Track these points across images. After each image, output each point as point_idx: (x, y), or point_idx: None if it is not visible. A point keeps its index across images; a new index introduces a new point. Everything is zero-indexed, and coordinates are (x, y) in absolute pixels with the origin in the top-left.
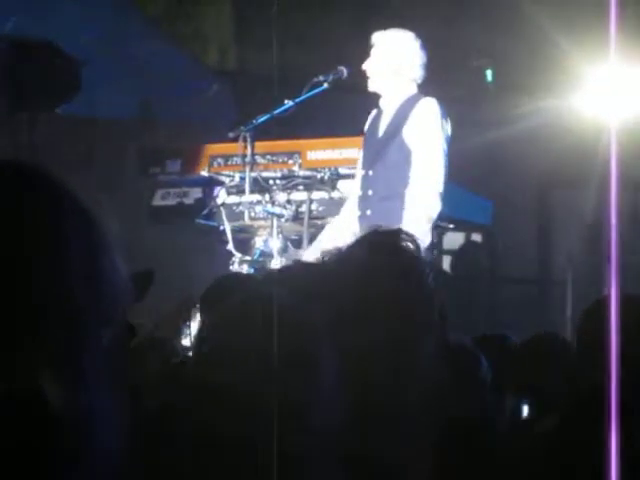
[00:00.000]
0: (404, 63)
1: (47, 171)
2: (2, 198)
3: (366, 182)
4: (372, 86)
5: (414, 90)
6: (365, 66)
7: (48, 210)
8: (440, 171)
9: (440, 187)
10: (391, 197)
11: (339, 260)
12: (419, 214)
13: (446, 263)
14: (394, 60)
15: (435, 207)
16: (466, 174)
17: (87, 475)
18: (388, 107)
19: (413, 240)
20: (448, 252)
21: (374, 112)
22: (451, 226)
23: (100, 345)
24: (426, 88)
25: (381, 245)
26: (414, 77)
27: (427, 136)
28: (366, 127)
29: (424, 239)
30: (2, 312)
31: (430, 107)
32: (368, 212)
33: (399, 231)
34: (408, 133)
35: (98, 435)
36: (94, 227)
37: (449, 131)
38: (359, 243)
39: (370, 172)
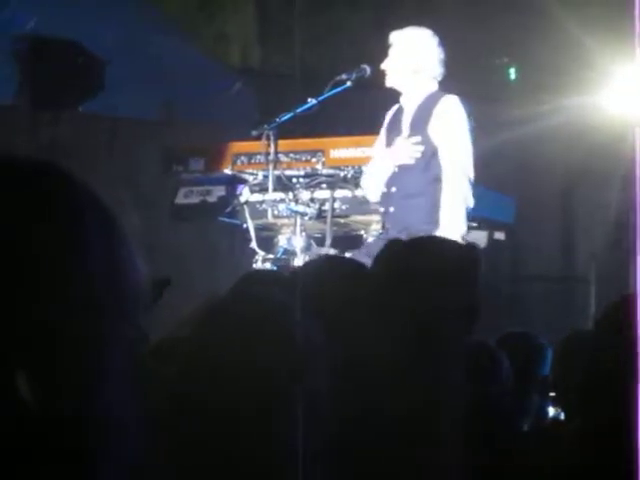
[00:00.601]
0: (423, 60)
1: (67, 170)
2: (20, 196)
3: (390, 179)
4: (390, 82)
5: (435, 87)
6: (384, 66)
7: (67, 208)
8: (469, 160)
9: (471, 174)
10: (414, 195)
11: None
12: (455, 198)
13: None
14: (413, 58)
15: (468, 190)
16: (489, 172)
17: (107, 475)
18: (409, 104)
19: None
20: None
21: (394, 109)
22: (474, 224)
23: (120, 344)
24: (449, 86)
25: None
26: (434, 74)
27: (453, 130)
28: (385, 124)
29: (462, 225)
30: (19, 310)
31: (454, 103)
32: (391, 209)
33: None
34: (433, 130)
35: (117, 435)
36: (114, 226)
37: (472, 126)
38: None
39: (395, 169)
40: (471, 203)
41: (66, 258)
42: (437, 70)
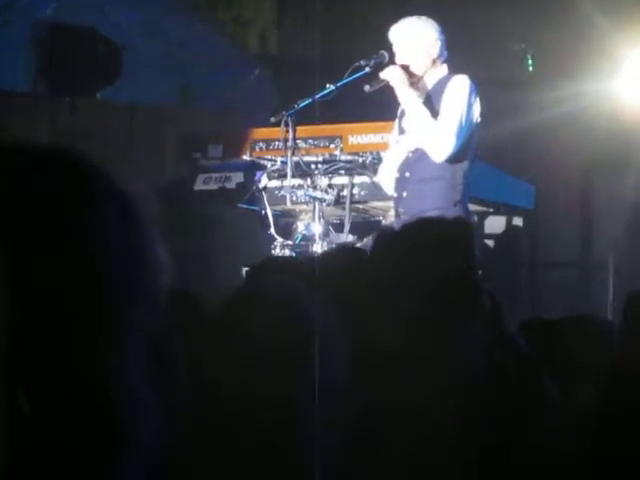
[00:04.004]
0: (438, 48)
1: (86, 156)
2: (42, 183)
3: (403, 165)
4: (415, 73)
5: (445, 71)
6: (402, 61)
7: (86, 194)
8: (459, 124)
9: (457, 129)
10: (428, 179)
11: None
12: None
13: (488, 247)
14: (432, 47)
15: (449, 141)
16: (508, 158)
17: (131, 458)
18: (422, 89)
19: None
20: (490, 236)
21: None
22: (492, 210)
23: (141, 327)
24: (466, 72)
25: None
26: (442, 58)
27: (452, 99)
28: (399, 111)
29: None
30: (41, 298)
31: (461, 81)
32: (404, 194)
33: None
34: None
35: (141, 420)
36: (133, 212)
37: (478, 108)
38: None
39: (409, 154)
40: (444, 155)
41: (86, 243)
42: (444, 52)
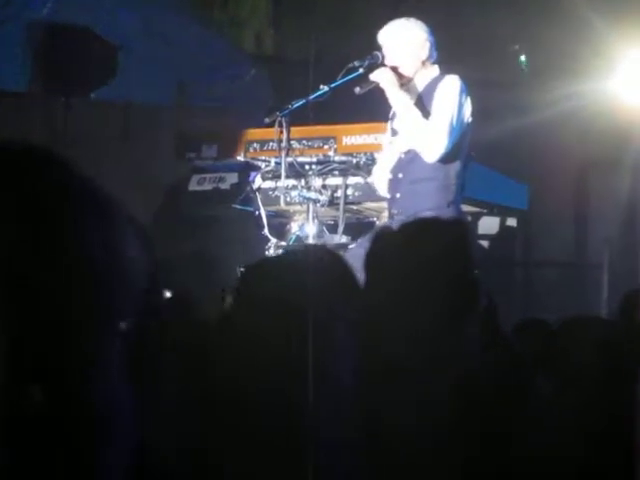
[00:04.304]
0: (420, 47)
1: (64, 157)
2: (13, 179)
3: (396, 166)
4: (405, 75)
5: (437, 72)
6: (392, 62)
7: (63, 195)
8: (450, 124)
9: (448, 129)
10: (420, 180)
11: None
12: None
13: (482, 247)
14: (410, 47)
15: (441, 141)
16: (502, 158)
17: (110, 458)
18: (413, 91)
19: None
20: (484, 236)
21: None
22: (486, 211)
23: (123, 331)
24: (461, 72)
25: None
26: (432, 59)
27: (443, 99)
28: (391, 113)
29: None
30: (19, 298)
31: (451, 81)
32: (398, 195)
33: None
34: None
35: (120, 421)
36: (111, 213)
37: (469, 107)
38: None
39: (402, 155)
40: (436, 155)
41: (63, 244)
42: (434, 53)
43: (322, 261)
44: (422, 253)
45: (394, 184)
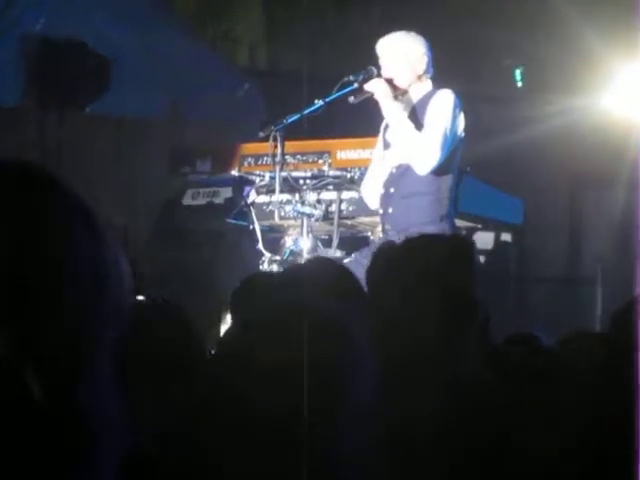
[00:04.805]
0: (417, 61)
1: (53, 173)
2: (5, 197)
3: (388, 180)
4: (400, 87)
5: (430, 86)
6: (388, 74)
7: (52, 210)
8: (443, 137)
9: (441, 142)
10: (413, 194)
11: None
12: (422, 141)
13: (477, 262)
14: (408, 60)
15: (434, 153)
16: (497, 173)
17: (89, 476)
18: (407, 103)
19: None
20: (479, 251)
21: None
22: (481, 226)
23: (105, 345)
24: (455, 87)
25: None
26: (428, 74)
27: (436, 112)
28: (383, 127)
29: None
30: (5, 311)
31: (445, 95)
32: (390, 210)
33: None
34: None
35: (102, 436)
36: (99, 231)
37: (462, 122)
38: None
39: (393, 170)
40: (428, 167)
41: (51, 263)
42: (430, 68)
43: (328, 273)
44: (425, 271)
45: (386, 199)
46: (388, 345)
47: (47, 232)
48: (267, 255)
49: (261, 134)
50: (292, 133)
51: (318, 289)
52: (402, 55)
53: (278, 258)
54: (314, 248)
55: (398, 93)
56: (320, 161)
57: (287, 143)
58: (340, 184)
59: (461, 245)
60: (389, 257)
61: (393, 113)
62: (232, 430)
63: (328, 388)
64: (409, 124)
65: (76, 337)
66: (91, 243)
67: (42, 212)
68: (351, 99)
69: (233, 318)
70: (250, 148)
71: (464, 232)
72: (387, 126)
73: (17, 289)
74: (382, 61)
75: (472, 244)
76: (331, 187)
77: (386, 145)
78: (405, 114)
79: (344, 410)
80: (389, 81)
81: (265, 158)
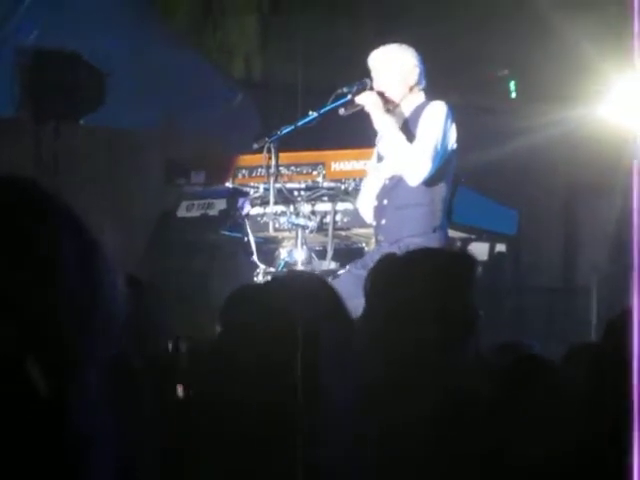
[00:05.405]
0: (417, 75)
1: (41, 185)
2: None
3: (381, 192)
4: (392, 99)
5: (423, 98)
6: (379, 86)
7: (40, 224)
8: (434, 148)
9: (428, 161)
10: (406, 206)
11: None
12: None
13: None
14: (399, 73)
15: (425, 164)
16: (491, 184)
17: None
18: (399, 116)
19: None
20: None
21: None
22: (475, 236)
23: (97, 362)
24: (450, 98)
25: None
26: (420, 85)
27: (428, 124)
28: (377, 139)
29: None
30: None
31: (437, 107)
32: (383, 221)
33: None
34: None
35: (94, 453)
36: (91, 247)
37: (454, 134)
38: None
39: (386, 182)
40: (419, 178)
41: (43, 279)
42: (422, 80)
43: (307, 286)
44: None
45: (379, 210)
46: (387, 353)
47: (32, 248)
48: (262, 267)
49: (255, 146)
50: (286, 144)
51: (294, 299)
52: (393, 67)
53: (273, 270)
54: (308, 260)
55: (390, 105)
56: (314, 172)
57: (281, 154)
58: (334, 195)
59: (461, 258)
60: (388, 269)
61: (384, 125)
62: (212, 426)
63: (296, 387)
64: (400, 136)
65: (64, 353)
66: (80, 257)
67: (27, 227)
68: (341, 111)
69: (219, 324)
70: (244, 160)
71: (458, 243)
72: (381, 138)
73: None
74: (374, 73)
75: (472, 258)
76: (325, 198)
77: (380, 157)
78: (397, 126)
79: (317, 413)
80: (381, 93)
81: (259, 170)
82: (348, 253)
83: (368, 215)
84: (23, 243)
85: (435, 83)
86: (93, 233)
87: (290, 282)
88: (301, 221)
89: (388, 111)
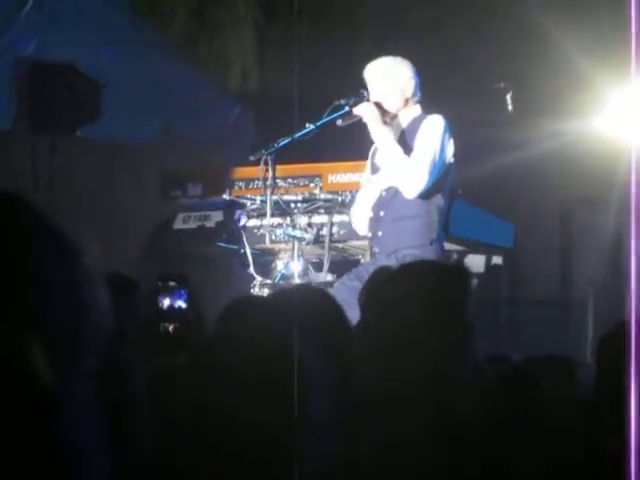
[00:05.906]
0: (413, 87)
1: (29, 203)
2: None
3: (377, 204)
4: (389, 111)
5: (419, 111)
6: (376, 98)
7: (25, 238)
8: (431, 161)
9: (429, 166)
10: (402, 218)
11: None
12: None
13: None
14: (395, 85)
15: (422, 178)
16: (487, 196)
17: None
18: (396, 128)
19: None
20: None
21: None
22: (471, 249)
23: (81, 376)
24: (447, 111)
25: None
26: (416, 98)
27: (425, 137)
28: (372, 151)
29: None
30: None
31: (435, 120)
32: (379, 233)
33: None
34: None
35: (82, 464)
36: (74, 255)
37: (452, 147)
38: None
39: (383, 193)
40: (416, 191)
41: (27, 294)
42: (418, 93)
43: (310, 299)
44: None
45: (375, 222)
46: (384, 368)
47: (19, 263)
48: (258, 279)
49: (252, 158)
50: (283, 156)
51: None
52: (389, 79)
53: (269, 282)
54: (305, 272)
55: (387, 117)
56: (311, 184)
57: (278, 166)
58: (331, 207)
59: (457, 270)
60: (383, 282)
61: (381, 136)
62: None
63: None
64: (397, 148)
65: (47, 366)
66: (63, 269)
67: (11, 239)
68: (339, 122)
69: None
70: (241, 172)
71: (455, 255)
72: (376, 150)
73: None
74: (370, 86)
75: (468, 270)
76: (322, 210)
77: (374, 169)
78: (393, 138)
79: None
80: (378, 105)
81: (256, 182)
82: (344, 265)
83: (361, 227)
84: (3, 259)
85: (431, 96)
86: (78, 246)
87: (293, 294)
88: (298, 233)
89: (385, 123)
